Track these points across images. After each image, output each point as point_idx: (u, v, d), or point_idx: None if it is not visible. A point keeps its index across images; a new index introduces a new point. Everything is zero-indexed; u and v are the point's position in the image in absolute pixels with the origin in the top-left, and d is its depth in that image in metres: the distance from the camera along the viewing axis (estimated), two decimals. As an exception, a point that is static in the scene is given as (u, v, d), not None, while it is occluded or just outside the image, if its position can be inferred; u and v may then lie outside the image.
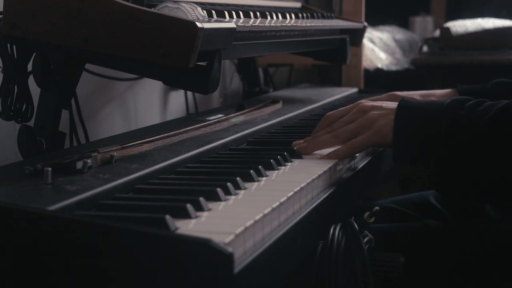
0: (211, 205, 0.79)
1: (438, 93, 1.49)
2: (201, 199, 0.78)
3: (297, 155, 1.08)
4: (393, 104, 1.08)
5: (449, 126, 1.01)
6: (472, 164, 1.00)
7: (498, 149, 0.99)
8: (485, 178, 1.01)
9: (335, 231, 0.95)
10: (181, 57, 0.95)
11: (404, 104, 1.07)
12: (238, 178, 0.88)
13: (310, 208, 0.89)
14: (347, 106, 1.14)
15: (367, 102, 1.12)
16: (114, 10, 0.97)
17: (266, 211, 0.76)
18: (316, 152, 1.10)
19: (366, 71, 2.29)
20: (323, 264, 0.93)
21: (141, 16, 0.96)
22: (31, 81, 1.07)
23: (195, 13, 1.02)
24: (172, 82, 1.07)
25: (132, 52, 0.97)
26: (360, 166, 1.14)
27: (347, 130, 1.09)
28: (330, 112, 1.15)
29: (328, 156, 1.06)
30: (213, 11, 1.10)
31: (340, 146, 1.08)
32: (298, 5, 1.85)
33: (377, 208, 1.06)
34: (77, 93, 1.19)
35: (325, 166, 1.00)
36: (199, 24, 0.95)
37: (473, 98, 1.05)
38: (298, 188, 0.88)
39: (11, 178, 0.85)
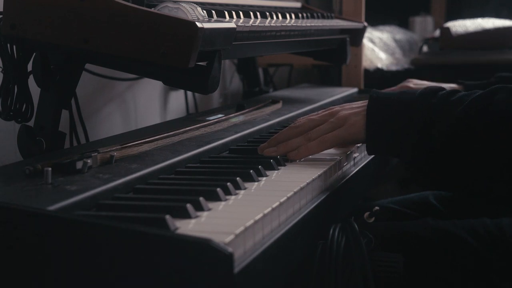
0: (211, 205, 0.79)
1: (445, 87, 1.49)
2: (201, 199, 0.78)
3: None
4: (364, 103, 1.07)
5: (422, 115, 1.00)
6: (446, 154, 0.99)
7: (472, 138, 0.98)
8: (459, 167, 1.00)
9: (335, 231, 0.95)
10: (181, 57, 0.95)
11: (376, 95, 1.06)
12: (238, 178, 0.88)
13: (310, 208, 0.89)
14: (318, 113, 1.12)
15: (336, 106, 1.11)
16: (114, 10, 0.97)
17: (266, 211, 0.76)
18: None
19: (366, 71, 2.29)
20: (323, 264, 0.93)
21: (141, 16, 0.96)
22: (31, 81, 1.07)
23: (195, 13, 1.02)
24: (172, 82, 1.07)
25: (132, 52, 0.97)
26: (360, 166, 1.14)
27: (319, 130, 1.07)
28: (299, 118, 1.12)
29: (297, 153, 1.04)
30: (213, 11, 1.10)
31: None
32: (298, 5, 1.85)
33: (377, 208, 1.06)
34: (77, 93, 1.18)
35: (325, 166, 1.00)
36: (199, 24, 0.95)
37: (445, 88, 1.04)
38: (298, 188, 0.88)
39: (11, 178, 0.85)
